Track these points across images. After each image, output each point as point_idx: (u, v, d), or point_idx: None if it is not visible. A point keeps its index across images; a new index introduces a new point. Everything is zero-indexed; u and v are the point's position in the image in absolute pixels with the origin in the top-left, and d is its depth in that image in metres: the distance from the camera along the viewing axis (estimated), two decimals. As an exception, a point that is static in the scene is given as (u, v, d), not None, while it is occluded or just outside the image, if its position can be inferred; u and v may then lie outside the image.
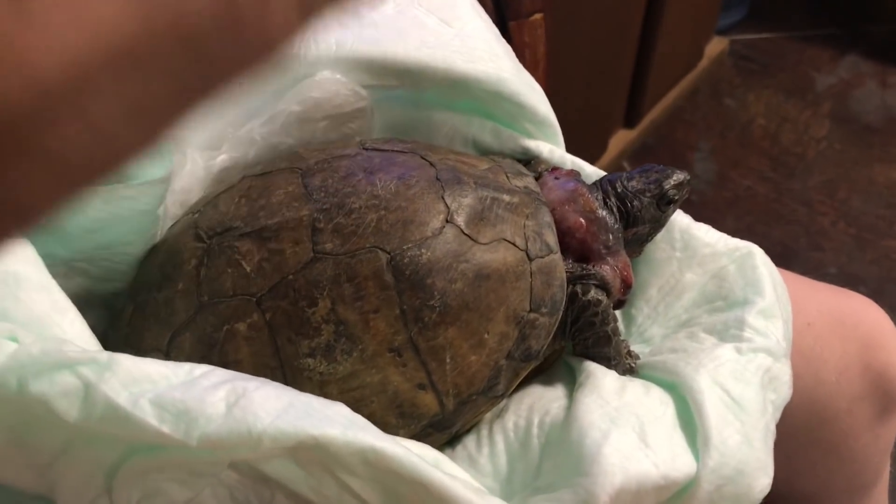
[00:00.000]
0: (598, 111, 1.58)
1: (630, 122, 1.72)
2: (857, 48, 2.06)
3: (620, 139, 1.69)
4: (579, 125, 1.45)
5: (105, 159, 0.16)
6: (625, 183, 0.47)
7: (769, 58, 2.01)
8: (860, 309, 0.54)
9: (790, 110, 1.88)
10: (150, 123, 0.16)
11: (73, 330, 0.38)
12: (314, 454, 0.33)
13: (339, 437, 0.32)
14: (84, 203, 0.39)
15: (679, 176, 0.48)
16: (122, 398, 0.32)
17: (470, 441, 0.42)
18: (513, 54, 0.50)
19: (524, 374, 0.42)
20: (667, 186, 0.47)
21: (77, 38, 0.15)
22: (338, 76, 0.47)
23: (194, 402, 0.32)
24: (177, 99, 0.16)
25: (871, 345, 0.52)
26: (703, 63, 1.92)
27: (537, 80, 0.74)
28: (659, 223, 0.48)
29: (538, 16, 0.73)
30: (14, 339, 0.34)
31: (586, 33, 1.32)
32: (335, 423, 0.33)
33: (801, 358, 0.50)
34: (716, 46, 1.98)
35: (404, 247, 0.39)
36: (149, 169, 0.40)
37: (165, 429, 0.32)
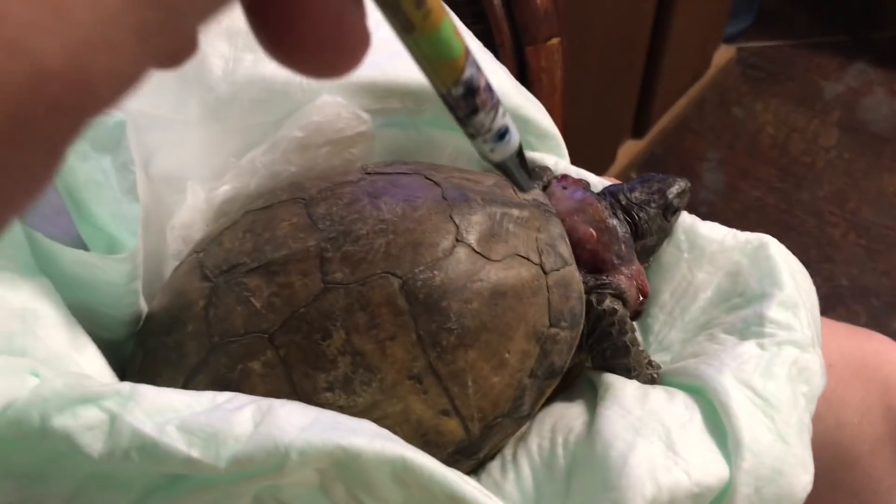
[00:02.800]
0: (606, 121, 1.57)
1: (638, 133, 1.72)
2: (866, 55, 2.05)
3: (629, 149, 1.69)
4: (588, 136, 1.45)
5: None
6: (628, 194, 0.48)
7: (777, 66, 2.01)
8: (882, 350, 0.54)
9: (798, 119, 1.88)
10: None
11: (92, 367, 0.38)
12: (341, 472, 0.33)
13: (367, 447, 0.32)
14: (58, 256, 0.38)
15: (680, 184, 0.49)
16: (147, 427, 0.32)
17: (494, 468, 0.42)
18: (508, 72, 0.51)
19: (549, 391, 0.42)
20: (670, 196, 0.48)
21: None
22: (339, 99, 0.47)
23: (221, 424, 0.32)
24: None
25: (893, 386, 0.52)
26: (711, 72, 1.92)
27: (555, 104, 0.73)
28: (665, 233, 0.49)
29: (555, 41, 0.72)
30: (35, 375, 0.34)
31: (595, 45, 1.31)
32: (363, 434, 0.33)
33: (823, 400, 0.49)
34: (723, 55, 1.98)
35: (416, 270, 0.39)
36: (103, 235, 0.40)
37: (195, 453, 0.31)
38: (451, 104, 0.25)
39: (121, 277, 0.40)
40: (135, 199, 0.40)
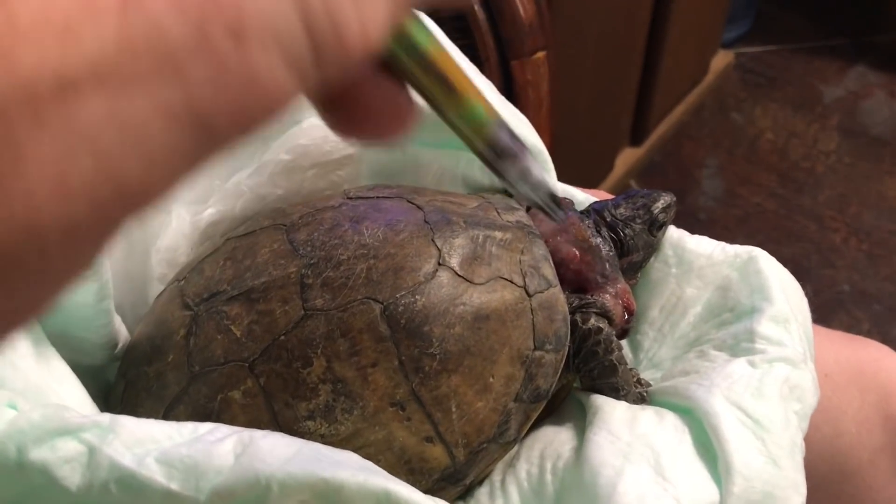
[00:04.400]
0: (604, 129, 1.57)
1: (636, 140, 1.72)
2: (865, 59, 2.05)
3: (627, 157, 1.69)
4: (585, 144, 1.45)
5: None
6: (612, 211, 0.47)
7: (775, 71, 2.01)
8: (878, 357, 0.54)
9: (798, 124, 1.88)
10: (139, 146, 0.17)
11: (72, 398, 0.38)
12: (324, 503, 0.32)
13: (350, 480, 0.32)
14: None
15: (665, 199, 0.48)
16: (126, 459, 0.32)
17: (483, 494, 0.41)
18: (493, 87, 0.51)
19: (535, 415, 0.42)
20: (655, 211, 0.48)
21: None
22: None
23: (202, 455, 0.32)
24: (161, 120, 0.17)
25: (891, 395, 0.52)
26: (709, 77, 1.92)
27: (541, 119, 0.73)
28: (652, 248, 0.48)
29: (541, 54, 0.72)
30: (13, 406, 0.34)
31: (591, 53, 1.31)
32: (346, 466, 0.33)
33: (820, 410, 0.49)
34: (721, 60, 1.98)
35: (397, 295, 0.39)
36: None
37: (174, 486, 0.31)
38: (482, 159, 0.28)
39: (89, 297, 0.40)
40: None
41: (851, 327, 1.41)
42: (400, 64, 0.23)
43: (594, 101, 1.42)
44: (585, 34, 1.29)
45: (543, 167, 0.52)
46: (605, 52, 1.39)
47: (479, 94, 0.26)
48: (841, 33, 2.12)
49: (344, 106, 0.23)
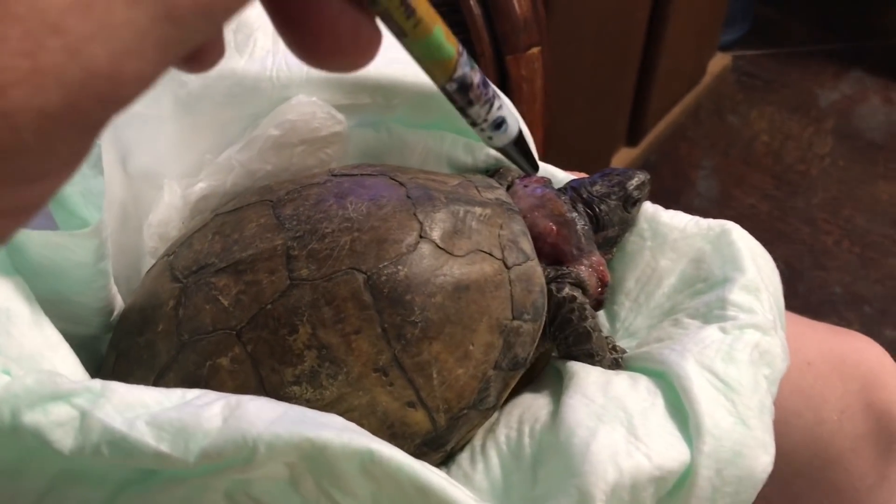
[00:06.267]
0: (600, 129, 1.58)
1: (633, 140, 1.73)
2: (861, 64, 2.07)
3: (623, 157, 1.70)
4: (581, 144, 1.46)
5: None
6: (589, 188, 0.49)
7: (772, 74, 2.02)
8: (861, 348, 0.55)
9: (793, 127, 1.89)
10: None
11: (64, 366, 0.39)
12: (310, 465, 0.33)
13: (335, 440, 0.33)
14: (25, 244, 0.38)
15: (640, 176, 0.50)
16: (117, 422, 0.33)
17: (464, 459, 0.43)
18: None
19: (514, 383, 0.43)
20: (630, 188, 0.49)
21: None
22: (314, 99, 0.48)
23: (191, 418, 0.33)
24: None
25: (872, 383, 0.53)
26: (706, 80, 1.93)
27: (536, 113, 0.75)
28: (626, 224, 0.50)
29: (535, 50, 0.74)
30: (7, 372, 0.35)
31: (589, 53, 1.32)
32: (330, 427, 0.34)
33: (802, 397, 0.50)
34: (718, 63, 1.99)
35: (380, 265, 0.41)
36: (76, 218, 0.41)
37: (164, 447, 0.32)
38: (448, 96, 0.29)
39: (88, 255, 0.41)
40: (99, 173, 0.40)
41: (842, 328, 1.41)
42: None
43: (591, 101, 1.43)
44: (583, 33, 1.30)
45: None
46: (603, 52, 1.40)
47: (442, 24, 0.26)
48: (837, 38, 2.14)
49: (305, 25, 0.23)
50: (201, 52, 0.23)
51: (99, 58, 0.17)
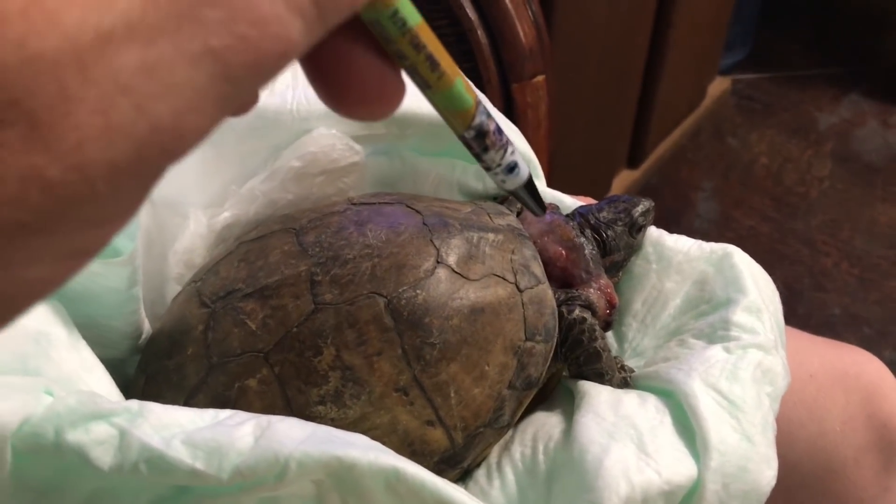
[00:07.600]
0: (601, 152, 1.60)
1: (633, 163, 1.75)
2: (859, 87, 2.09)
3: (624, 179, 1.72)
4: (583, 166, 1.48)
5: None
6: (596, 214, 0.52)
7: (771, 97, 2.05)
8: (861, 361, 0.57)
9: (792, 150, 1.91)
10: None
11: (100, 387, 0.41)
12: (337, 482, 0.35)
13: (362, 458, 0.34)
14: None
15: (645, 203, 0.53)
16: (154, 441, 0.34)
17: (480, 475, 0.44)
18: (494, 108, 0.55)
19: (527, 401, 0.45)
20: (636, 215, 0.52)
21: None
22: (333, 131, 0.51)
23: (224, 437, 0.35)
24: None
25: (874, 395, 0.55)
26: (706, 103, 1.96)
27: (539, 139, 0.77)
28: (632, 248, 0.52)
29: (540, 78, 0.76)
30: (49, 393, 0.37)
31: (590, 77, 1.35)
32: (357, 446, 0.35)
33: (805, 409, 0.51)
34: (718, 86, 2.02)
35: (400, 290, 0.43)
36: (110, 247, 0.43)
37: (199, 465, 0.34)
38: (465, 144, 0.31)
39: (121, 282, 0.43)
40: None
41: (842, 349, 1.43)
42: (390, 39, 0.24)
43: (592, 124, 1.46)
44: (586, 59, 1.32)
45: (534, 174, 0.56)
46: (605, 76, 1.42)
47: (463, 77, 0.28)
48: (836, 62, 2.17)
49: (336, 77, 0.24)
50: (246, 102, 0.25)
51: (163, 114, 0.18)
